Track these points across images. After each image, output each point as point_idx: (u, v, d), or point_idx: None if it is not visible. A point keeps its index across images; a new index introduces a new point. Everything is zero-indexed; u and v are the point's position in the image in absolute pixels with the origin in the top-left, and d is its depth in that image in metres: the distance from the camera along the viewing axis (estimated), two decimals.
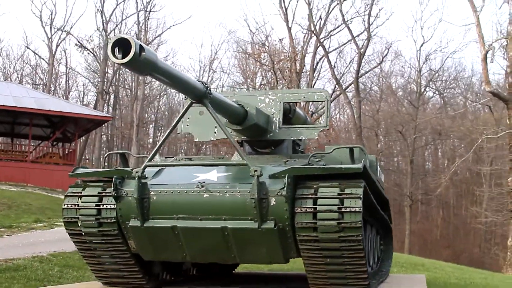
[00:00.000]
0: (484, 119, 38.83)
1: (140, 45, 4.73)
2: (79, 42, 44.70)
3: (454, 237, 46.68)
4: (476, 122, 37.27)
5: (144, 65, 4.87)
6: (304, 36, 37.49)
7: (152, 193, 6.00)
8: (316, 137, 8.27)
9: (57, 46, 47.02)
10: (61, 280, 8.30)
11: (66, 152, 32.62)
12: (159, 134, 51.94)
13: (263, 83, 36.34)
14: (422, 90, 44.34)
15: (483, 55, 24.65)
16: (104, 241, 6.31)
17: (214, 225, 5.84)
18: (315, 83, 36.42)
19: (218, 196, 5.85)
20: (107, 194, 6.20)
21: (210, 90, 5.91)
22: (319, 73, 38.69)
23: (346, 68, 41.42)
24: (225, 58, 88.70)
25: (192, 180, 6.00)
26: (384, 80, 47.75)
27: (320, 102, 7.86)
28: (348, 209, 5.62)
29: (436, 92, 48.04)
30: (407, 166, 43.66)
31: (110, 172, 6.33)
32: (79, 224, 6.27)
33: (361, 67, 37.88)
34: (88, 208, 6.22)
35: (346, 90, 38.42)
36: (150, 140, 52.23)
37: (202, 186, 5.88)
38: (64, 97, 46.79)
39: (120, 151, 7.38)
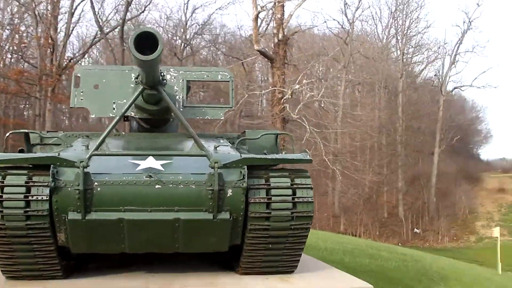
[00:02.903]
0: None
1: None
2: None
3: None
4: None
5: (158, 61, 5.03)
6: None
7: (96, 183, 5.71)
8: (222, 118, 8.38)
9: None
10: None
11: None
12: None
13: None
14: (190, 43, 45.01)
15: (254, 15, 27.70)
16: (28, 235, 5.85)
17: (165, 217, 5.76)
18: (73, 28, 35.94)
19: (171, 187, 5.78)
20: (37, 184, 5.72)
21: (164, 76, 6.10)
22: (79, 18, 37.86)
23: (110, 14, 41.17)
24: None
25: (137, 169, 5.86)
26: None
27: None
28: (301, 199, 5.99)
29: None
30: None
31: (42, 159, 5.83)
32: (4, 218, 5.70)
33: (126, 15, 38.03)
34: (15, 200, 5.67)
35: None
36: None
37: (152, 177, 5.78)
38: None
39: (25, 131, 7.13)
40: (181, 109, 7.51)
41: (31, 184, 5.69)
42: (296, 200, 5.99)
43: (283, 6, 28.18)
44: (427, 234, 48.61)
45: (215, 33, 47.22)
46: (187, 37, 44.16)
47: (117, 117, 6.08)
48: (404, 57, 56.36)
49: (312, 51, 41.94)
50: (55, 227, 5.83)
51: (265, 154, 6.65)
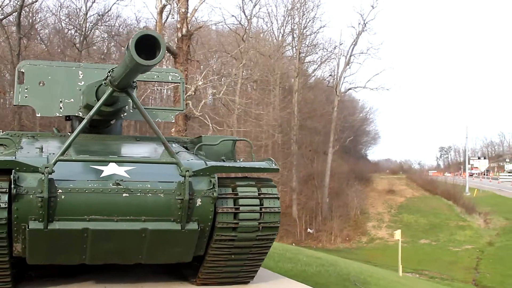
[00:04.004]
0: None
1: None
2: None
3: None
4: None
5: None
6: None
7: (60, 191, 5.42)
8: (173, 121, 8.26)
9: None
10: None
11: None
12: None
13: None
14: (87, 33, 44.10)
15: (159, 8, 27.40)
16: None
17: (133, 227, 5.59)
18: None
19: (140, 196, 5.60)
20: None
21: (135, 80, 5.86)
22: None
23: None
24: None
25: (101, 176, 5.65)
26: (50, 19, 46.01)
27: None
28: (268, 210, 5.99)
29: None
30: None
31: (2, 163, 5.46)
32: None
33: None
34: None
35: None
36: None
37: (119, 185, 5.57)
38: None
39: None
40: (131, 111, 7.35)
41: None
42: (263, 210, 5.98)
43: (187, 0, 28.05)
44: (321, 235, 49.75)
45: (111, 24, 46.36)
46: (86, 27, 42.93)
47: (85, 120, 5.77)
48: (300, 56, 57.46)
49: (215, 47, 41.97)
50: (12, 236, 5.50)
51: (224, 161, 6.60)
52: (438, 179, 72.29)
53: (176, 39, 29.96)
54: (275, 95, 55.07)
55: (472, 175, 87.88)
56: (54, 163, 5.36)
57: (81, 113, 7.13)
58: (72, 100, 7.17)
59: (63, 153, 5.51)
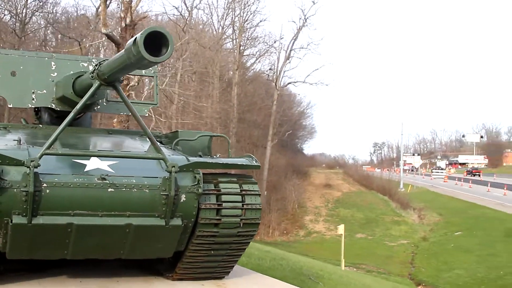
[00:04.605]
0: None
1: None
2: None
3: None
4: None
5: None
6: None
7: (44, 185, 5.38)
8: (147, 114, 8.11)
9: None
10: None
11: None
12: None
13: None
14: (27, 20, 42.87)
15: None
16: None
17: (117, 222, 5.60)
18: None
19: (124, 191, 5.60)
20: None
21: None
22: None
23: None
24: None
25: (85, 170, 5.64)
26: None
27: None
28: (249, 206, 6.13)
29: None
30: None
31: None
32: None
33: None
34: None
35: None
36: None
37: (104, 179, 5.57)
38: None
39: None
40: (105, 104, 7.35)
41: None
42: (245, 206, 6.12)
43: None
44: (259, 228, 50.04)
45: (48, 11, 45.30)
46: (26, 13, 41.88)
47: (72, 114, 5.75)
48: (240, 49, 57.53)
49: None
50: None
51: (201, 156, 6.66)
52: (374, 175, 73.80)
53: (119, 29, 29.72)
54: (214, 87, 55.01)
55: (406, 171, 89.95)
56: (40, 157, 5.31)
57: (53, 105, 7.05)
58: (44, 91, 7.09)
59: (49, 147, 5.46)
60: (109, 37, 28.61)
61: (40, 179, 5.37)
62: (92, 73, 5.74)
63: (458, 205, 53.33)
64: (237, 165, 6.36)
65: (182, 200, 5.81)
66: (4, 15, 42.47)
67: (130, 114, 7.51)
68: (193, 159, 6.12)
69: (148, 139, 6.86)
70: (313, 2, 58.00)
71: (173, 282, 6.47)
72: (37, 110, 7.69)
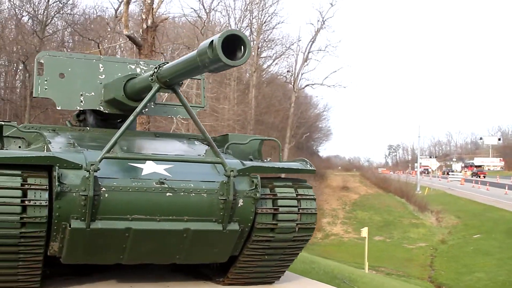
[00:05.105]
0: None
1: None
2: None
3: None
4: None
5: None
6: None
7: (103, 189, 5.32)
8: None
9: None
10: None
11: None
12: None
13: None
14: (49, 22, 42.43)
15: None
16: (18, 244, 5.26)
17: (175, 227, 5.55)
18: None
19: (183, 195, 5.56)
20: (33, 187, 5.19)
21: None
22: None
23: None
24: None
25: (142, 174, 5.59)
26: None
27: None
28: (305, 211, 6.04)
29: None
30: None
31: (42, 159, 5.29)
32: None
33: None
34: (9, 205, 5.08)
35: None
36: None
37: (163, 183, 5.53)
38: None
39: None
40: (152, 107, 7.29)
41: (27, 187, 5.17)
42: (301, 211, 6.03)
43: None
44: None
45: (67, 13, 45.38)
46: (47, 15, 41.96)
47: (131, 117, 5.64)
48: (258, 51, 57.45)
49: (180, 40, 41.62)
50: (50, 235, 5.38)
51: (251, 160, 6.61)
52: (391, 177, 73.41)
53: (141, 30, 29.73)
54: (231, 89, 54.98)
55: (421, 173, 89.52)
56: (100, 161, 5.26)
57: (102, 107, 7.02)
58: (92, 93, 7.05)
59: (109, 150, 5.39)
60: (131, 38, 28.64)
61: (99, 183, 5.32)
62: (152, 76, 5.62)
63: (476, 207, 52.95)
64: (293, 170, 6.26)
65: (239, 205, 5.75)
66: (23, 16, 42.72)
67: (178, 116, 7.75)
68: (249, 163, 6.06)
69: (197, 142, 6.82)
70: (331, 4, 57.97)
71: (224, 287, 6.41)
72: (81, 113, 7.65)
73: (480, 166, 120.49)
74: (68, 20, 43.99)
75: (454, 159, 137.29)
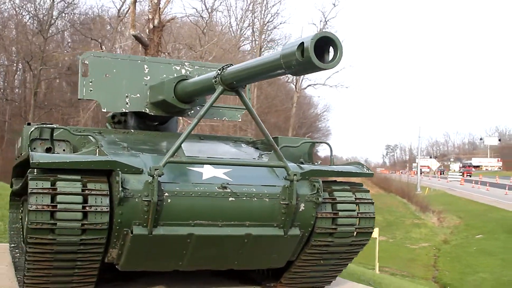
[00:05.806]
0: None
1: None
2: None
3: None
4: None
5: None
6: None
7: (166, 194, 5.20)
8: (240, 119, 8.06)
9: None
10: None
11: None
12: None
13: None
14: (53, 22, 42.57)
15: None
16: (78, 251, 5.13)
17: (237, 232, 5.43)
18: None
19: (245, 200, 5.43)
20: (94, 193, 5.04)
21: None
22: None
23: None
24: None
25: (203, 178, 5.43)
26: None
27: None
28: (364, 215, 5.98)
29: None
30: None
31: (103, 164, 5.14)
32: (55, 232, 4.95)
33: None
34: (71, 211, 4.93)
35: None
36: None
37: (225, 188, 5.40)
38: None
39: (47, 125, 6.08)
40: (198, 108, 7.11)
41: (87, 192, 5.02)
42: (359, 215, 5.97)
43: None
44: None
45: (69, 13, 45.20)
46: (52, 15, 41.73)
47: (195, 120, 5.48)
48: (260, 51, 57.29)
49: (183, 40, 41.55)
50: (110, 242, 5.26)
51: (302, 163, 6.47)
52: (392, 177, 73.29)
53: (147, 30, 29.60)
54: None
55: (422, 173, 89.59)
56: (164, 165, 5.12)
57: (147, 109, 6.90)
58: (138, 95, 6.95)
59: (173, 154, 5.24)
60: (137, 38, 28.57)
61: (161, 188, 5.20)
62: (215, 77, 5.42)
63: (477, 207, 52.88)
64: (351, 173, 6.16)
65: (301, 209, 5.66)
66: (23, 15, 42.51)
67: (224, 118, 7.62)
68: (308, 166, 5.96)
69: (243, 145, 6.78)
70: (334, 4, 57.89)
71: None
72: (121, 115, 7.50)
73: (478, 166, 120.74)
74: (70, 20, 43.85)
75: (452, 159, 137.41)
